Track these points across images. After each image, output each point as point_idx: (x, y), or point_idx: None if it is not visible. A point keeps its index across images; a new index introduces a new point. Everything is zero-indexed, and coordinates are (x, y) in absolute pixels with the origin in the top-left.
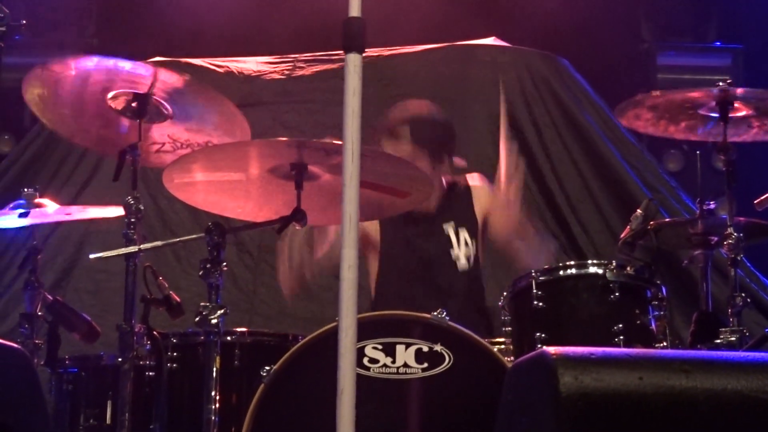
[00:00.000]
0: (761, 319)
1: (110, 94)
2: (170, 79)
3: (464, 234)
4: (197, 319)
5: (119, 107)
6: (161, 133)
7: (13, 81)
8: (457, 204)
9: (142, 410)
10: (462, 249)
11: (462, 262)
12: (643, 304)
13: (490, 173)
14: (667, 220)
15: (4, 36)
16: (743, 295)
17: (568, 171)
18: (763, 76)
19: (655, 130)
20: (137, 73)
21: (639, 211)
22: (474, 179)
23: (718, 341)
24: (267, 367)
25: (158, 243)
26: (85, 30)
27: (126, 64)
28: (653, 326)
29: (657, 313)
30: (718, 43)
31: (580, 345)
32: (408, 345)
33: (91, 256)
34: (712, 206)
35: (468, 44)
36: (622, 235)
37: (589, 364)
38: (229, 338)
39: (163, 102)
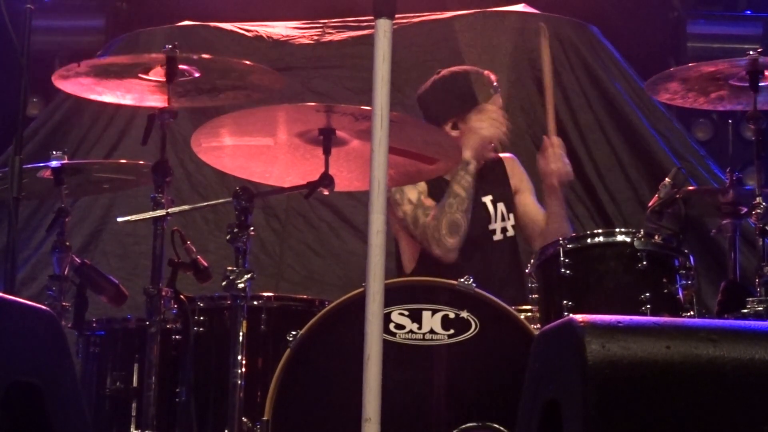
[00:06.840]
0: None
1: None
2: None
3: (501, 207)
4: (224, 283)
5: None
6: None
7: (42, 43)
8: (493, 178)
9: (168, 373)
10: (499, 222)
11: (498, 235)
12: (671, 273)
13: (517, 139)
14: (695, 188)
15: None
16: None
17: (597, 139)
18: None
19: (684, 101)
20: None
21: (667, 179)
22: (507, 155)
23: (745, 311)
24: (293, 332)
25: (186, 207)
26: None
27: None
28: (680, 295)
29: (684, 282)
30: (749, 12)
31: (607, 313)
32: (434, 311)
33: (119, 219)
34: (739, 176)
35: (497, 11)
36: (650, 204)
37: (616, 332)
38: (255, 303)
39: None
